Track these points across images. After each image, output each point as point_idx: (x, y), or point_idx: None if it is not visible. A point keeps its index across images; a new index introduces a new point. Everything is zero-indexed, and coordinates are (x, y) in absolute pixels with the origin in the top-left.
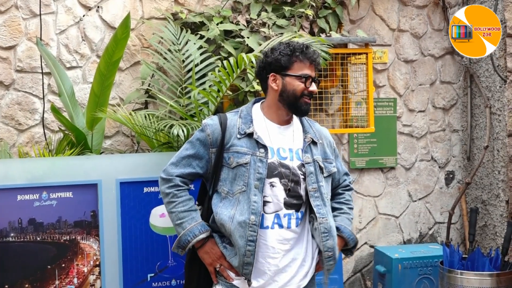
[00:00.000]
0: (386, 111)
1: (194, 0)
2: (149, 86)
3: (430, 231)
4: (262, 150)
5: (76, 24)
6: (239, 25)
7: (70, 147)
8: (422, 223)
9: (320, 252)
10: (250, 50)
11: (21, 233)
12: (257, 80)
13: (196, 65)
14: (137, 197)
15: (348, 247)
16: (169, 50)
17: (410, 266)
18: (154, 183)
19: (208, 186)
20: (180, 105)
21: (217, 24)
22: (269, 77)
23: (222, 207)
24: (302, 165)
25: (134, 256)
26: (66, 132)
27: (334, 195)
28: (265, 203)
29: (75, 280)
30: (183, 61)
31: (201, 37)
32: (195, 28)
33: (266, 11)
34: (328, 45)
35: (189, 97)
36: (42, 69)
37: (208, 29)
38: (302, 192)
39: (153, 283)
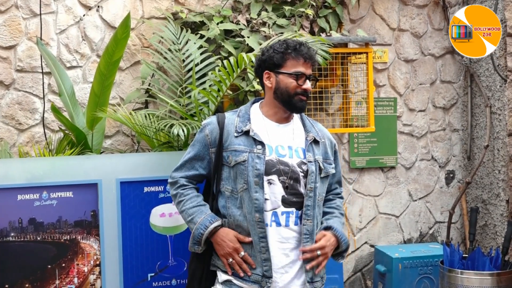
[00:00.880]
0: (387, 111)
1: (194, 0)
2: (149, 85)
3: (431, 231)
4: (259, 147)
5: (76, 24)
6: (239, 24)
7: (70, 147)
8: (423, 223)
9: None
10: (251, 49)
11: (21, 233)
12: (257, 80)
13: (196, 65)
14: (137, 196)
15: (340, 250)
16: (169, 50)
17: (411, 266)
18: (154, 182)
19: (212, 186)
20: (180, 104)
21: (217, 24)
22: (264, 75)
23: (232, 208)
24: (302, 163)
25: (134, 255)
26: (66, 131)
27: (325, 200)
28: (264, 200)
29: (76, 280)
30: (183, 60)
31: (201, 36)
32: (195, 27)
33: (266, 10)
34: (328, 44)
35: (189, 97)
36: (42, 69)
37: (208, 29)
38: (302, 190)
39: (153, 283)
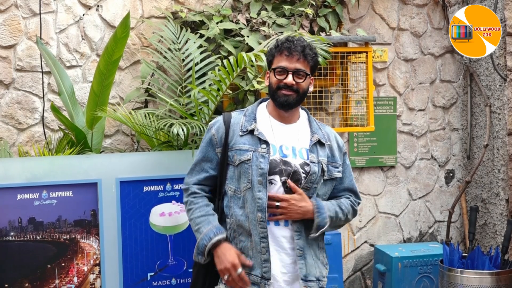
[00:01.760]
0: (386, 110)
1: None
2: (149, 85)
3: (430, 230)
4: (264, 146)
5: (76, 23)
6: (239, 24)
7: (70, 146)
8: (422, 222)
9: None
10: (250, 49)
11: (21, 232)
12: (257, 79)
13: (196, 64)
14: (137, 196)
15: (314, 223)
16: (169, 49)
17: (410, 265)
18: (154, 182)
19: (218, 186)
20: (180, 104)
21: (217, 23)
22: (266, 74)
23: (234, 208)
24: (306, 164)
25: (134, 255)
26: (66, 131)
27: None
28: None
29: (75, 279)
30: (183, 60)
31: (201, 36)
32: (195, 27)
33: (266, 10)
34: (328, 43)
35: (189, 96)
36: (42, 68)
37: (208, 28)
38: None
39: (153, 282)
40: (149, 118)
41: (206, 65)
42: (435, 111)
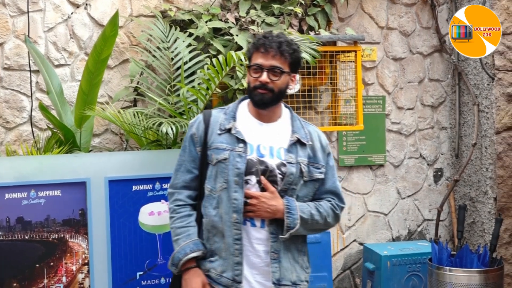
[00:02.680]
0: (375, 109)
1: None
2: (138, 84)
3: (419, 228)
4: (241, 145)
5: (64, 22)
6: (228, 23)
7: (58, 145)
8: (411, 220)
9: None
10: (239, 48)
11: (9, 231)
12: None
13: (185, 63)
14: (125, 195)
15: (285, 224)
16: (158, 48)
17: (399, 263)
18: (143, 181)
19: (199, 186)
20: (169, 103)
21: (206, 22)
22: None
23: (209, 208)
24: (283, 164)
25: (123, 254)
26: (54, 130)
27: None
28: (242, 201)
29: (64, 279)
30: (172, 58)
31: (190, 34)
32: (184, 25)
33: (255, 8)
34: (317, 43)
35: (178, 95)
36: (30, 67)
37: (197, 27)
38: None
39: (142, 281)
40: (138, 117)
41: (195, 64)
42: (423, 110)
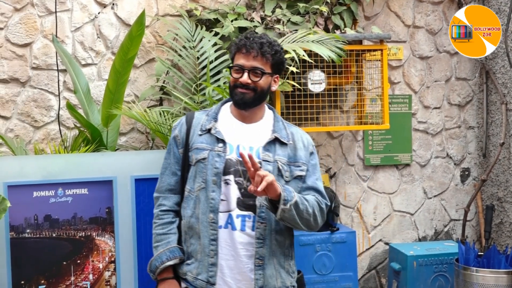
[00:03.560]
0: (401, 108)
1: None
2: (163, 83)
3: (446, 228)
4: (220, 144)
5: (91, 22)
6: (253, 22)
7: (85, 144)
8: (437, 220)
9: None
10: None
11: (37, 229)
12: None
13: (211, 62)
14: (152, 193)
15: (278, 204)
16: (184, 47)
17: (425, 263)
18: None
19: (181, 187)
20: (194, 102)
21: (232, 21)
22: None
23: (186, 209)
24: (259, 163)
25: (149, 252)
26: (81, 129)
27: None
28: (219, 201)
29: (91, 276)
30: (198, 58)
31: (216, 34)
32: (209, 25)
33: (280, 7)
34: (342, 41)
35: (204, 94)
36: (57, 66)
37: (223, 26)
38: None
39: None
40: (164, 116)
41: (221, 63)
42: (450, 109)
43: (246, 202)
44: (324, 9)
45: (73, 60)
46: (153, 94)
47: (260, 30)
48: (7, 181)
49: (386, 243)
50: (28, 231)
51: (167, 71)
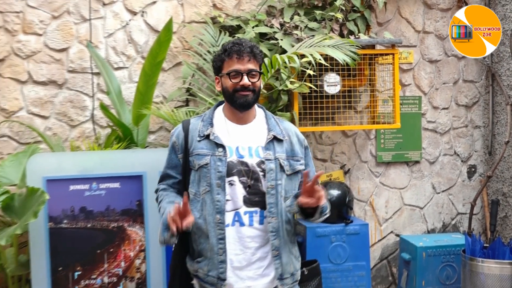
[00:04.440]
0: (412, 108)
1: (232, 5)
2: (189, 85)
3: (453, 221)
4: (220, 149)
5: (122, 28)
6: (273, 28)
7: (117, 142)
8: (445, 214)
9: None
10: (284, 51)
11: (73, 220)
12: (290, 79)
13: None
14: None
15: (318, 210)
16: (208, 52)
17: (434, 254)
18: None
19: (183, 190)
20: None
21: (253, 27)
22: (215, 81)
23: (194, 211)
24: (262, 162)
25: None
26: (113, 127)
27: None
28: (225, 202)
29: (122, 264)
30: None
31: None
32: (232, 31)
33: (298, 14)
34: (356, 46)
35: None
36: (92, 70)
37: (245, 32)
38: (264, 189)
39: None
40: (190, 116)
41: None
42: (458, 110)
43: (252, 199)
44: (339, 16)
45: (106, 64)
46: (180, 95)
47: (279, 36)
48: (46, 175)
49: (397, 235)
50: (65, 221)
51: (193, 74)
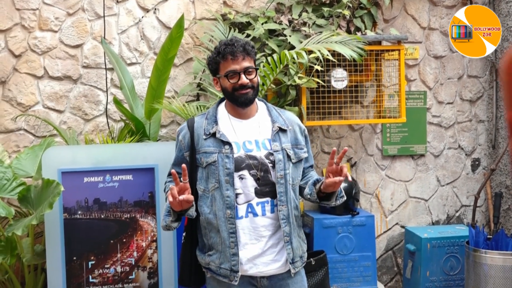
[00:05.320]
0: (417, 103)
1: (241, 2)
2: (200, 80)
3: (457, 213)
4: (227, 146)
5: (135, 25)
6: (282, 24)
7: (130, 135)
8: (450, 206)
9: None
10: (292, 47)
11: (87, 211)
12: (299, 75)
13: None
14: None
15: (335, 194)
16: None
17: (438, 245)
18: None
19: (191, 187)
20: None
21: (262, 24)
22: (213, 81)
23: (203, 206)
24: (270, 153)
25: None
26: (126, 121)
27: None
28: (236, 195)
29: (135, 254)
30: None
31: (248, 36)
32: (242, 27)
33: (306, 11)
34: (363, 42)
35: None
36: (105, 65)
37: (254, 29)
38: (274, 179)
39: None
40: (201, 110)
41: None
42: (462, 104)
43: (263, 190)
44: (347, 12)
45: (119, 59)
46: (191, 90)
47: (287, 32)
48: (61, 168)
49: (402, 226)
50: (79, 212)
51: (204, 69)
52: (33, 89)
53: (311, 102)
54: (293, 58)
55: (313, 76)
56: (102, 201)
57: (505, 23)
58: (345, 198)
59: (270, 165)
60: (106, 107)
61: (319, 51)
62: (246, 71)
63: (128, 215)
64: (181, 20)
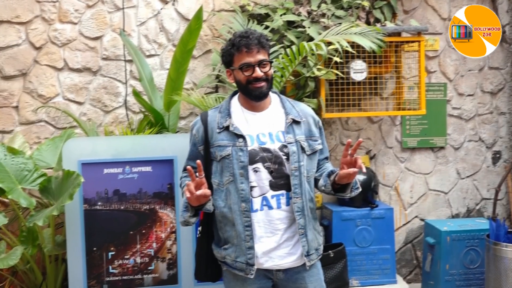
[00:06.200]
0: (437, 95)
1: None
2: (219, 72)
3: (477, 207)
4: (240, 140)
5: (154, 17)
6: (300, 16)
7: (149, 127)
8: (470, 199)
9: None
10: (311, 39)
11: (107, 202)
12: (317, 67)
13: None
14: None
15: (350, 185)
16: None
17: (458, 239)
18: None
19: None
20: None
21: (281, 15)
22: (227, 73)
23: (218, 200)
24: (284, 146)
25: None
26: (146, 113)
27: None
28: (251, 188)
29: (154, 245)
30: None
31: (266, 27)
32: (260, 19)
33: (325, 2)
34: (383, 33)
35: None
36: (124, 57)
37: (273, 20)
38: (288, 171)
39: None
40: (219, 102)
41: (271, 53)
42: (483, 96)
43: (278, 182)
44: (366, 3)
45: (138, 51)
46: (210, 82)
47: (306, 23)
48: (81, 159)
49: (422, 219)
50: (99, 203)
51: None
52: (53, 81)
53: (330, 94)
54: (312, 49)
55: (332, 67)
56: (122, 192)
57: None
58: (360, 189)
59: (284, 157)
60: (126, 99)
61: (338, 42)
62: (260, 64)
63: (148, 206)
64: (199, 12)
